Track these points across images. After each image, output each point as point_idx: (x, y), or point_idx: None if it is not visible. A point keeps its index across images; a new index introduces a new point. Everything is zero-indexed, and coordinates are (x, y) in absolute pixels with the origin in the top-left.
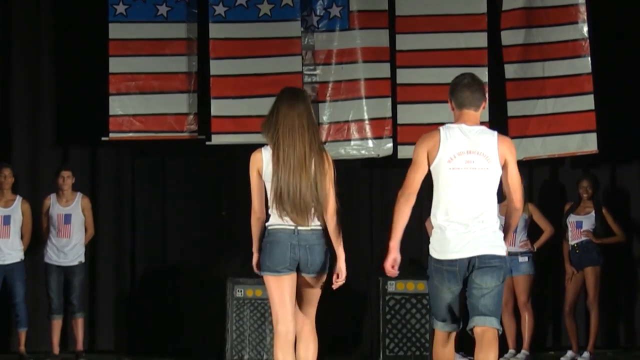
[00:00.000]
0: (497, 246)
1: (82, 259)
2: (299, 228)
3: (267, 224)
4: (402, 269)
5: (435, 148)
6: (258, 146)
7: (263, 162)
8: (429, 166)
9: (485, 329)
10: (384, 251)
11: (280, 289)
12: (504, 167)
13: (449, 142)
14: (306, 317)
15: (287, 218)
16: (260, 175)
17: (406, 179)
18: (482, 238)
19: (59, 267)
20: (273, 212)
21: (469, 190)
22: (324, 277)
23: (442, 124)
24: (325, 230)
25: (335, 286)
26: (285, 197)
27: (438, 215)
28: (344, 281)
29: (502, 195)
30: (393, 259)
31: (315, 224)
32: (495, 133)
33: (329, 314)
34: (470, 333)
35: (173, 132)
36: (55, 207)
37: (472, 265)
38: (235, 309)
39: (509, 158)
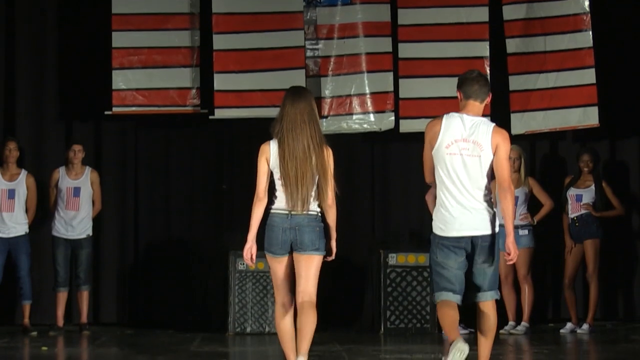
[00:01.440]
0: (492, 225)
1: (90, 232)
2: (292, 212)
3: (271, 206)
4: (403, 242)
5: (436, 135)
6: (260, 120)
7: (271, 153)
8: (431, 150)
9: (487, 313)
10: (386, 225)
11: (277, 268)
12: (495, 155)
13: (448, 130)
14: (305, 293)
15: (287, 204)
16: (267, 163)
17: (424, 171)
18: (480, 218)
19: (67, 240)
20: (277, 198)
21: (462, 174)
22: (318, 258)
23: (443, 98)
24: (322, 215)
25: (326, 260)
26: (292, 186)
27: (440, 195)
28: (333, 258)
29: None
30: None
31: (311, 209)
32: (492, 125)
33: (330, 287)
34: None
35: (176, 106)
36: (65, 180)
37: (474, 244)
38: (237, 282)
39: (501, 148)
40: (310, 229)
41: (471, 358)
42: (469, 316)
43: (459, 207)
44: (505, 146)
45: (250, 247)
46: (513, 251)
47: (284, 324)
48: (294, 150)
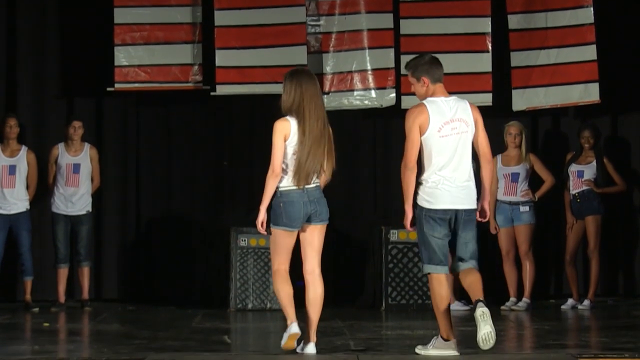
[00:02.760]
0: (474, 200)
1: (90, 209)
2: (306, 186)
3: (279, 185)
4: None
5: (426, 121)
6: (262, 96)
7: (291, 131)
8: (420, 136)
9: (469, 269)
10: (387, 201)
11: (288, 241)
12: (477, 129)
13: (436, 114)
14: (314, 263)
15: (300, 180)
16: (285, 140)
17: (407, 154)
18: (466, 194)
19: (67, 217)
20: (289, 175)
21: (456, 152)
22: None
23: (445, 74)
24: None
25: None
26: (306, 164)
27: (429, 173)
28: None
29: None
30: (411, 219)
31: (316, 181)
32: (466, 101)
33: (332, 264)
34: (453, 274)
35: (178, 82)
36: (65, 156)
37: (457, 217)
38: (239, 258)
39: (479, 120)
40: (323, 201)
41: (471, 333)
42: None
43: (448, 184)
44: (481, 119)
45: (264, 219)
46: (489, 214)
47: (288, 287)
48: (313, 128)
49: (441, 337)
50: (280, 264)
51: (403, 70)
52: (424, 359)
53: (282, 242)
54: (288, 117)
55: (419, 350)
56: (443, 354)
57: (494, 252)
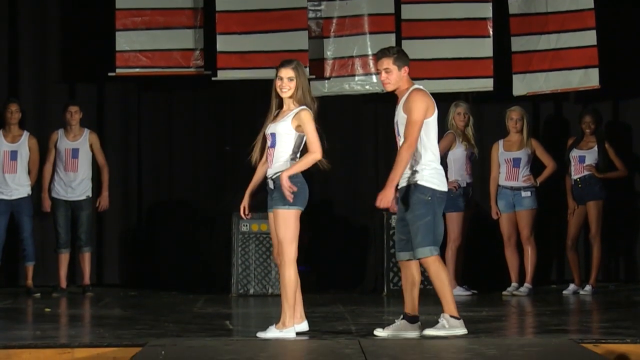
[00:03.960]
0: None
1: (90, 194)
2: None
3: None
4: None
5: (433, 106)
6: (263, 81)
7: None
8: (424, 119)
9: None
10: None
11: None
12: None
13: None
14: None
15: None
16: None
17: (414, 136)
18: None
19: (67, 202)
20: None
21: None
22: None
23: (446, 59)
24: None
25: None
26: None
27: (434, 156)
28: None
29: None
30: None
31: None
32: None
33: (334, 249)
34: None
35: (179, 67)
36: (63, 141)
37: None
38: (240, 243)
39: None
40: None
41: (472, 318)
42: (471, 278)
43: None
44: None
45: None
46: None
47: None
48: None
49: (450, 315)
50: (292, 253)
51: None
52: (423, 342)
53: (295, 225)
54: (306, 108)
55: (428, 331)
56: (452, 333)
57: (496, 237)
